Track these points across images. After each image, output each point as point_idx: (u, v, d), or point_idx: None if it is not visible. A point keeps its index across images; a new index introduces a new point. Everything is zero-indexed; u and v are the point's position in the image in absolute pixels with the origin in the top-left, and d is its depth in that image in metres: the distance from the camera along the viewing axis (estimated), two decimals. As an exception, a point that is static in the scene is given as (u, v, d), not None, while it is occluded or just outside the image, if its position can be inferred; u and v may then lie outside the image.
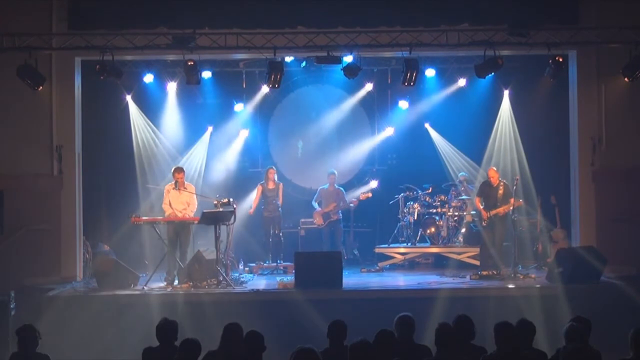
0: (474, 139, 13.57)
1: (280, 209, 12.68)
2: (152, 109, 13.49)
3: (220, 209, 10.91)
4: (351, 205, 13.21)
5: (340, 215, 13.13)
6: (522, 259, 11.98)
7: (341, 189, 13.25)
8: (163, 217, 11.10)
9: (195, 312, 9.42)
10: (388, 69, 13.63)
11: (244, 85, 13.89)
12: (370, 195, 13.27)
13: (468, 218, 12.79)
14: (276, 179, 12.81)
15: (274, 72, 11.05)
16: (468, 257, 12.35)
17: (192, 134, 13.81)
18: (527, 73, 12.80)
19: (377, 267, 12.56)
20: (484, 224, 11.55)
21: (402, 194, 13.30)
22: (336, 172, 13.24)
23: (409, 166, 14.12)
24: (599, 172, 11.80)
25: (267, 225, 12.64)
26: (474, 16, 11.28)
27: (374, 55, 12.10)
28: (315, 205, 13.10)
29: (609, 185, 11.71)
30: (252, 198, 12.83)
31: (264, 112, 14.32)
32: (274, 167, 12.98)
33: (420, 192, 13.22)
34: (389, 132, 14.28)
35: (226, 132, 14.02)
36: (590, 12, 11.47)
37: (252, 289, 10.49)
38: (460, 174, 13.42)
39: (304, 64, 13.08)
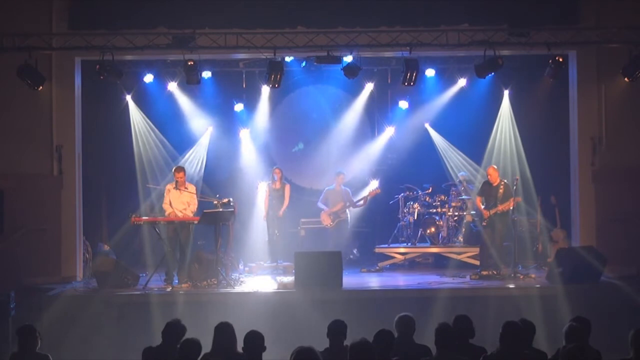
0: (474, 139, 13.57)
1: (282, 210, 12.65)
2: (152, 109, 13.49)
3: (220, 209, 10.91)
4: (359, 204, 13.18)
5: (348, 214, 13.12)
6: (522, 259, 11.97)
7: (347, 189, 13.24)
8: (163, 217, 11.10)
9: (195, 312, 9.41)
10: (388, 69, 13.61)
11: (244, 85, 13.87)
12: (379, 191, 13.23)
13: (468, 218, 12.79)
14: (277, 178, 12.75)
15: (274, 72, 11.06)
16: (468, 257, 12.35)
17: (192, 134, 13.81)
18: (527, 73, 12.80)
19: (377, 267, 12.55)
20: (484, 223, 11.55)
21: (402, 194, 13.30)
22: (345, 173, 13.24)
23: (409, 166, 14.12)
24: (599, 172, 11.80)
25: (267, 225, 12.62)
26: (474, 16, 11.28)
27: (374, 55, 12.08)
28: (322, 206, 13.06)
29: (609, 185, 11.70)
30: (261, 200, 12.77)
31: (264, 112, 14.31)
32: (279, 167, 12.92)
33: (420, 192, 13.22)
34: (389, 132, 14.29)
35: (226, 132, 14.02)
36: (590, 12, 11.46)
37: (252, 289, 10.49)
38: (460, 173, 13.41)
39: (304, 64, 13.07)
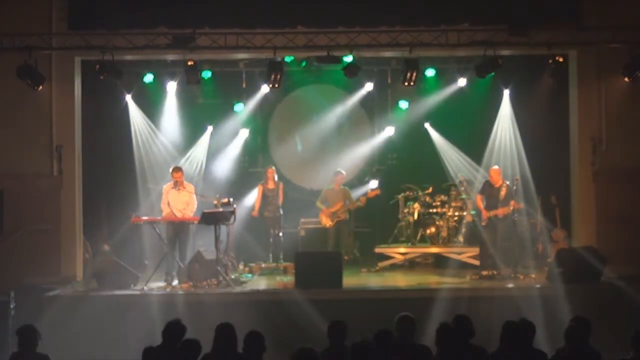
0: (474, 139, 13.54)
1: (280, 209, 12.68)
2: (152, 109, 13.48)
3: (220, 209, 10.92)
4: (359, 204, 13.16)
5: (348, 215, 13.10)
6: (522, 259, 11.96)
7: (347, 188, 13.23)
8: (162, 217, 11.10)
9: (195, 312, 9.39)
10: (388, 69, 13.62)
11: (244, 85, 13.88)
12: (378, 191, 13.20)
13: (468, 218, 12.79)
14: (276, 178, 12.82)
15: (274, 72, 11.07)
16: (468, 257, 12.33)
17: (192, 134, 13.80)
18: (527, 73, 12.79)
19: (377, 267, 12.55)
20: (483, 223, 11.55)
21: (402, 194, 13.30)
22: (344, 172, 13.21)
23: (409, 166, 14.12)
24: (599, 172, 11.80)
25: (267, 225, 12.64)
26: (474, 16, 11.27)
27: (374, 55, 12.09)
28: (321, 206, 13.04)
29: (609, 185, 11.71)
30: (254, 199, 12.83)
31: (264, 112, 14.31)
32: (273, 167, 13.01)
33: (420, 192, 13.21)
34: (389, 132, 14.28)
35: (226, 132, 14.01)
36: (590, 12, 11.45)
37: (252, 289, 10.49)
38: (459, 174, 13.42)
39: (303, 63, 13.07)
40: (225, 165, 13.91)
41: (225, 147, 14.00)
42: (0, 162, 11.49)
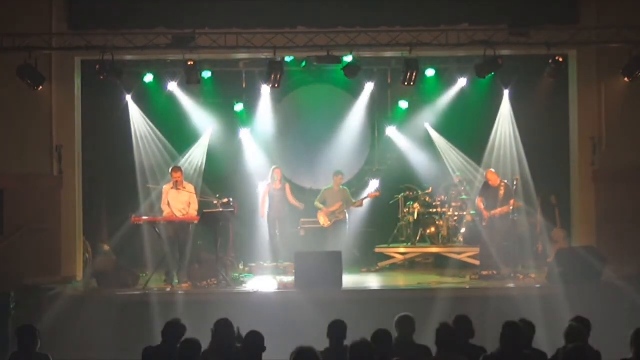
0: (474, 139, 13.55)
1: (285, 209, 12.62)
2: (152, 109, 13.48)
3: (220, 209, 10.91)
4: (357, 205, 13.12)
5: (347, 215, 13.08)
6: (522, 259, 11.96)
7: (346, 188, 13.21)
8: (162, 217, 11.10)
9: (195, 312, 9.40)
10: (388, 69, 13.63)
11: (244, 85, 13.88)
12: (378, 193, 13.17)
13: (468, 218, 12.79)
14: (282, 179, 12.75)
15: (274, 72, 11.07)
16: (468, 257, 12.34)
17: (192, 134, 13.80)
18: (527, 73, 12.77)
19: (377, 267, 12.54)
20: (484, 224, 11.55)
21: (402, 194, 13.30)
22: (344, 173, 13.19)
23: (409, 166, 14.12)
24: (599, 172, 11.80)
25: (270, 225, 12.60)
26: (474, 16, 11.28)
27: (374, 55, 12.09)
28: (320, 206, 13.03)
29: (609, 185, 11.70)
30: (260, 200, 12.76)
31: (264, 112, 14.30)
32: (279, 167, 12.93)
33: (420, 192, 13.21)
34: (389, 132, 14.28)
35: (226, 132, 14.01)
36: (590, 12, 11.47)
37: (252, 289, 10.50)
38: (456, 174, 13.41)
39: (303, 63, 13.06)
40: (225, 165, 13.90)
41: (226, 147, 13.99)
42: (0, 162, 11.49)
